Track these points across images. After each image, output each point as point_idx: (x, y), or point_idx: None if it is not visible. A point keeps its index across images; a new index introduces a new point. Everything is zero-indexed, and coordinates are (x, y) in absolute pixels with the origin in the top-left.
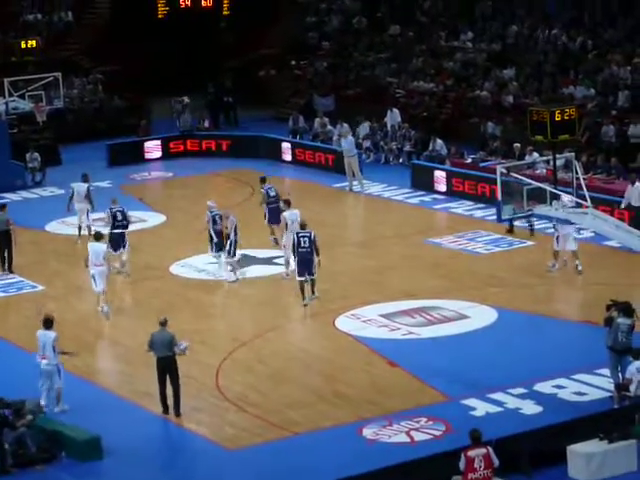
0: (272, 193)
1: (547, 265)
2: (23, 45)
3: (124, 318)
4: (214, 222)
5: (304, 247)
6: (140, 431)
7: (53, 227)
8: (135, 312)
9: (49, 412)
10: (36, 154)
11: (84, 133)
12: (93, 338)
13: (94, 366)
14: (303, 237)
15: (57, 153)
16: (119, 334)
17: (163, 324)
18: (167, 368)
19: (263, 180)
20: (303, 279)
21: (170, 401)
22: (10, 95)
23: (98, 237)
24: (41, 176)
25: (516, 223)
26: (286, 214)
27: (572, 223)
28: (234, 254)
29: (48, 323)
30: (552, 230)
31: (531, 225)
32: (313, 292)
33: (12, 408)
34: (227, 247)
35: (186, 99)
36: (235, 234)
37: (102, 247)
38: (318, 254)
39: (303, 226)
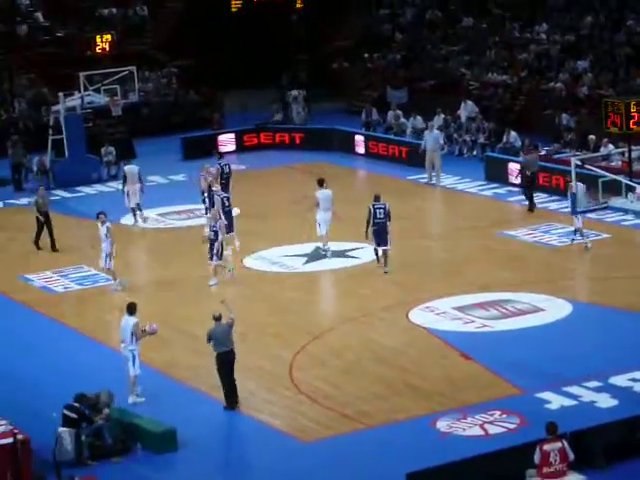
0: (226, 170)
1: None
2: (98, 39)
3: (198, 311)
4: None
5: (380, 218)
6: (215, 423)
7: (129, 220)
8: (209, 305)
9: (123, 403)
10: (111, 148)
11: (159, 127)
12: (170, 332)
13: (170, 359)
14: (378, 209)
15: (132, 147)
16: (194, 327)
17: (218, 319)
18: (228, 361)
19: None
20: (379, 248)
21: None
22: (85, 89)
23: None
24: (116, 169)
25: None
26: (318, 193)
27: None
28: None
29: (131, 309)
30: (625, 222)
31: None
32: (386, 264)
33: (88, 403)
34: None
35: (295, 92)
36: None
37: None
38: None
39: (378, 198)
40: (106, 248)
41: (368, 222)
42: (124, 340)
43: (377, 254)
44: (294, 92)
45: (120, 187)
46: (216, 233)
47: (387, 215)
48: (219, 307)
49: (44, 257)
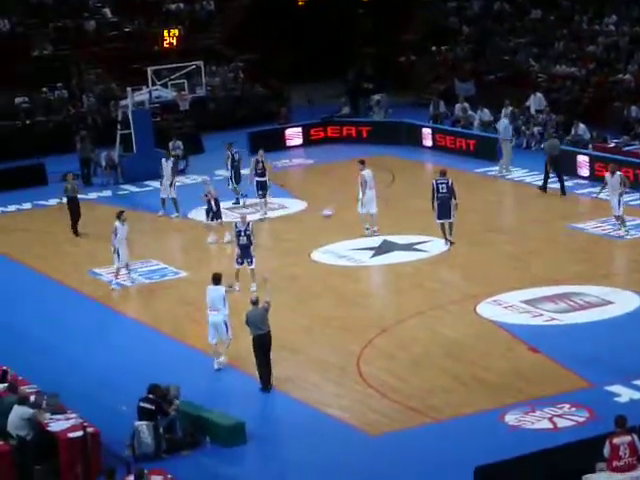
0: (237, 157)
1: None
2: (166, 34)
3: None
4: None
5: (443, 192)
6: (283, 416)
7: (196, 214)
8: (276, 298)
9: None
10: (179, 142)
11: (225, 121)
12: (236, 325)
13: (237, 352)
14: (441, 183)
15: (199, 141)
16: None
17: (255, 303)
18: (264, 344)
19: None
20: (442, 222)
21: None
22: (153, 84)
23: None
24: (184, 164)
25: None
26: (364, 172)
27: None
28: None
29: (217, 279)
30: None
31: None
32: (450, 234)
33: (158, 394)
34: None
35: (377, 97)
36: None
37: None
38: (455, 198)
39: (443, 173)
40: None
41: (433, 196)
42: (214, 308)
43: (442, 228)
44: (376, 97)
45: (187, 181)
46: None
47: (450, 190)
48: (280, 301)
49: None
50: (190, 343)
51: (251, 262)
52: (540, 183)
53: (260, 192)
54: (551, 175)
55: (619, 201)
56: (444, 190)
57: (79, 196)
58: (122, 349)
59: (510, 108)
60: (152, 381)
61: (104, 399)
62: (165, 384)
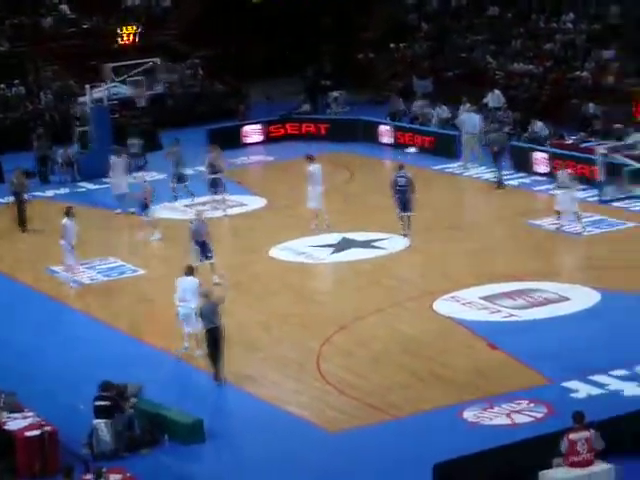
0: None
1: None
2: (123, 31)
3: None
4: None
5: (401, 186)
6: (242, 414)
7: (156, 212)
8: (234, 296)
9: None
10: (137, 139)
11: (184, 118)
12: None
13: (194, 351)
14: (401, 177)
15: (157, 138)
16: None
17: (206, 296)
18: (216, 337)
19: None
20: (401, 215)
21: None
22: (111, 81)
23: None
24: (142, 161)
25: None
26: (310, 168)
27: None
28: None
29: (190, 271)
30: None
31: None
32: (408, 227)
33: (115, 391)
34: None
35: (335, 94)
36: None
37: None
38: (414, 192)
39: (401, 167)
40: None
41: (393, 190)
42: (184, 299)
43: (402, 221)
44: (334, 93)
45: (146, 178)
46: None
47: (409, 184)
48: (239, 299)
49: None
50: (148, 341)
51: (211, 256)
52: (494, 179)
53: (212, 189)
54: (494, 169)
55: (572, 198)
56: (402, 183)
57: (37, 193)
58: (80, 347)
59: (468, 105)
60: (111, 379)
61: (62, 398)
62: (124, 382)
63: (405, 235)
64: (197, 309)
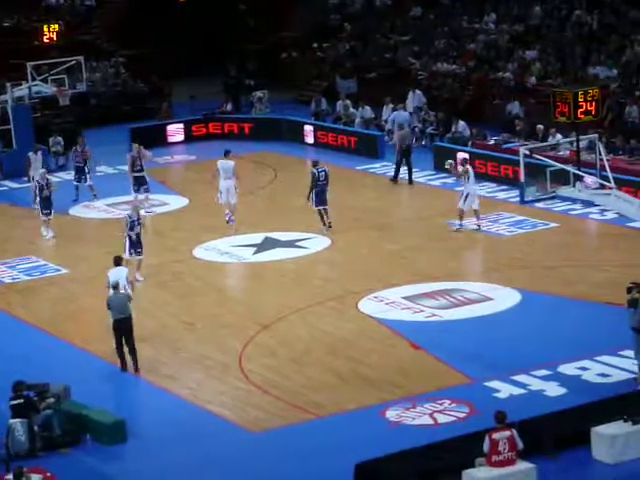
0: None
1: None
2: (45, 29)
3: (146, 301)
4: None
5: (322, 180)
6: (164, 414)
7: (77, 211)
8: (158, 295)
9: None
10: (59, 138)
11: (107, 117)
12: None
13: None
14: (321, 171)
15: (80, 136)
16: (141, 317)
17: (115, 287)
18: (124, 328)
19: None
20: (321, 208)
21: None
22: (33, 79)
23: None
24: (64, 160)
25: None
26: (219, 162)
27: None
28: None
29: (119, 261)
30: (573, 211)
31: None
32: (329, 222)
33: (35, 390)
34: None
35: (259, 93)
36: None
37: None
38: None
39: (316, 163)
40: None
41: (312, 185)
42: (115, 287)
43: (321, 215)
44: (259, 93)
45: (68, 177)
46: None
47: (327, 178)
48: (162, 298)
49: None
50: (70, 341)
51: (141, 252)
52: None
53: (135, 187)
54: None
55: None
56: (323, 178)
57: None
58: (1, 347)
59: (391, 105)
60: (31, 379)
61: None
62: (46, 382)
63: (329, 226)
64: (107, 299)
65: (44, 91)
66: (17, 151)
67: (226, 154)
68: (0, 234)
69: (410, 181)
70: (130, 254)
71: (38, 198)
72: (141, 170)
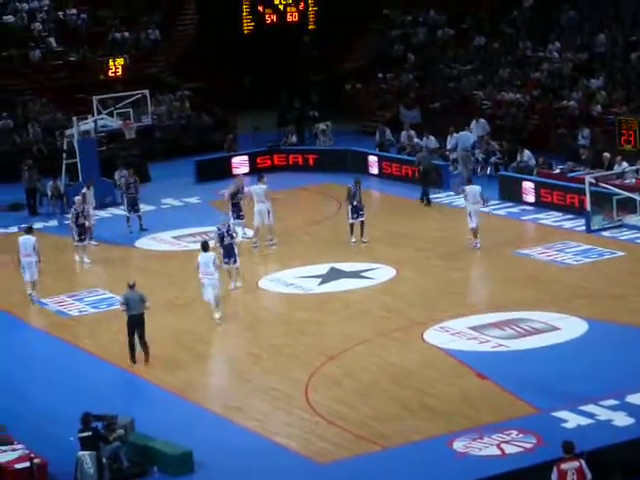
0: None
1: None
2: (111, 63)
3: (213, 333)
4: None
5: (354, 196)
6: (231, 445)
7: (143, 243)
8: (224, 327)
9: (140, 427)
10: (125, 171)
11: (172, 149)
12: (185, 354)
13: (184, 381)
14: (355, 186)
15: (146, 170)
16: (208, 349)
17: (132, 287)
18: (138, 323)
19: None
20: (353, 222)
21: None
22: (99, 113)
23: (205, 247)
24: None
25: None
26: (253, 187)
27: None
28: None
29: (205, 246)
30: (626, 237)
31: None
32: (362, 234)
33: (103, 422)
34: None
35: (323, 125)
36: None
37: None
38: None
39: (357, 179)
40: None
41: (348, 199)
42: (206, 272)
43: (352, 228)
44: (322, 125)
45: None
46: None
47: (359, 191)
48: (229, 330)
49: (59, 281)
50: (137, 373)
51: (235, 261)
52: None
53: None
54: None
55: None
56: (356, 193)
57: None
58: (69, 379)
59: (455, 135)
60: (100, 411)
61: (52, 430)
62: (114, 414)
63: (364, 242)
64: (122, 297)
65: (110, 125)
66: (83, 185)
67: (259, 179)
68: (66, 266)
69: (427, 202)
70: (225, 262)
71: (74, 225)
72: (239, 199)
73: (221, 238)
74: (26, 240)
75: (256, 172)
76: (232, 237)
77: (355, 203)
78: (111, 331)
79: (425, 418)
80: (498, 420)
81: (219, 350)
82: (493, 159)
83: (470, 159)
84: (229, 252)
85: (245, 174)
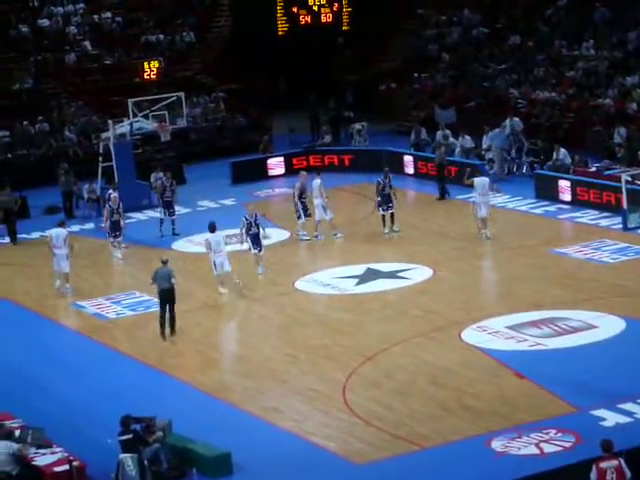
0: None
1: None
2: (146, 66)
3: (249, 333)
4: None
5: (385, 188)
6: (269, 446)
7: (179, 245)
8: (260, 328)
9: (177, 428)
10: (161, 174)
11: (207, 151)
12: (218, 355)
13: (221, 383)
14: (386, 179)
15: (181, 172)
16: (244, 350)
17: (165, 262)
18: (168, 298)
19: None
20: (383, 213)
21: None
22: (134, 116)
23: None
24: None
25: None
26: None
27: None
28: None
29: (213, 227)
30: None
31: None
32: (393, 224)
33: (142, 424)
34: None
35: (358, 125)
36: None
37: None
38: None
39: (386, 170)
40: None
41: (377, 191)
42: (219, 250)
43: (384, 219)
44: (357, 125)
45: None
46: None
47: (391, 185)
48: (265, 331)
49: (96, 284)
50: (174, 375)
51: (260, 250)
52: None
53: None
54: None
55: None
56: (387, 186)
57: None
58: (107, 382)
59: (490, 133)
60: (137, 413)
61: (90, 433)
62: (152, 415)
63: (394, 231)
64: (153, 272)
65: (145, 127)
66: (119, 187)
67: (317, 174)
68: (103, 270)
69: (442, 196)
70: (254, 248)
71: (108, 222)
72: (304, 197)
73: (249, 227)
74: (58, 232)
75: (292, 173)
76: (258, 227)
77: (384, 194)
78: (148, 333)
79: (463, 418)
80: (536, 419)
81: (255, 351)
82: (528, 158)
83: (505, 157)
84: (255, 241)
85: (282, 175)
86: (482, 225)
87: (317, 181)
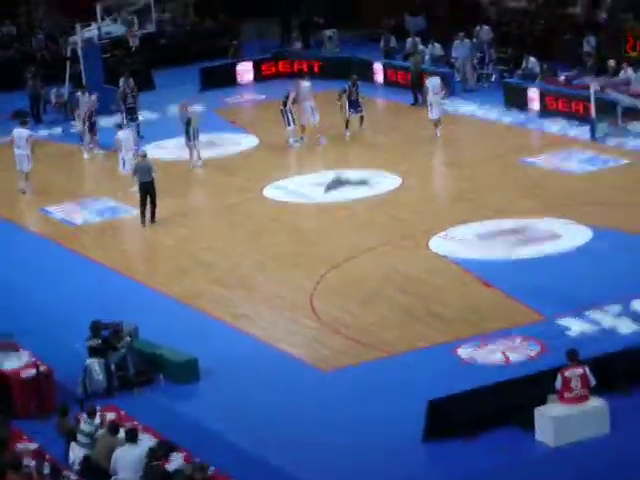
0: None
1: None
2: None
3: (219, 241)
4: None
5: (351, 92)
6: (236, 353)
7: (150, 152)
8: (229, 235)
9: (144, 334)
10: (130, 79)
11: (176, 57)
12: (189, 262)
13: (191, 290)
14: (352, 85)
15: (150, 77)
16: (214, 257)
17: (144, 156)
18: (149, 190)
19: None
20: (353, 116)
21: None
22: (103, 20)
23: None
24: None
25: None
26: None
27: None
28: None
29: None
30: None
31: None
32: (361, 124)
33: (110, 329)
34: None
35: (329, 32)
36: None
37: None
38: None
39: (354, 78)
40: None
41: (344, 95)
42: (144, 156)
43: (348, 124)
44: (328, 32)
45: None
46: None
47: (358, 92)
48: (234, 238)
49: (64, 189)
50: (144, 282)
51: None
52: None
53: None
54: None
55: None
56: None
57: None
58: (74, 287)
59: (466, 40)
60: (104, 317)
61: (58, 337)
62: (119, 320)
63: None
64: (133, 166)
65: (114, 32)
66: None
67: (302, 77)
68: (73, 174)
69: (416, 103)
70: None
71: (87, 124)
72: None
73: (349, 94)
74: (20, 133)
75: (261, 79)
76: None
77: (352, 100)
78: (116, 239)
79: (430, 325)
80: (503, 327)
81: (225, 258)
82: (492, 66)
83: (474, 66)
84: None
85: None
86: (434, 126)
87: (307, 84)
